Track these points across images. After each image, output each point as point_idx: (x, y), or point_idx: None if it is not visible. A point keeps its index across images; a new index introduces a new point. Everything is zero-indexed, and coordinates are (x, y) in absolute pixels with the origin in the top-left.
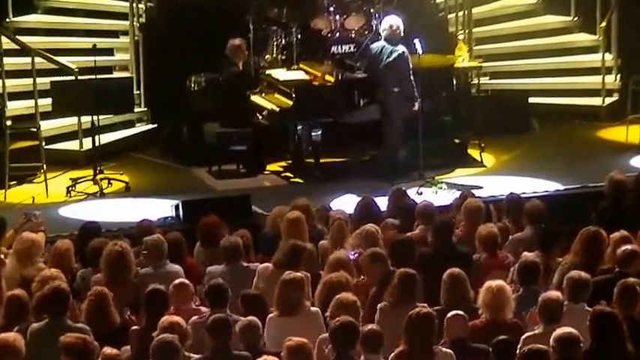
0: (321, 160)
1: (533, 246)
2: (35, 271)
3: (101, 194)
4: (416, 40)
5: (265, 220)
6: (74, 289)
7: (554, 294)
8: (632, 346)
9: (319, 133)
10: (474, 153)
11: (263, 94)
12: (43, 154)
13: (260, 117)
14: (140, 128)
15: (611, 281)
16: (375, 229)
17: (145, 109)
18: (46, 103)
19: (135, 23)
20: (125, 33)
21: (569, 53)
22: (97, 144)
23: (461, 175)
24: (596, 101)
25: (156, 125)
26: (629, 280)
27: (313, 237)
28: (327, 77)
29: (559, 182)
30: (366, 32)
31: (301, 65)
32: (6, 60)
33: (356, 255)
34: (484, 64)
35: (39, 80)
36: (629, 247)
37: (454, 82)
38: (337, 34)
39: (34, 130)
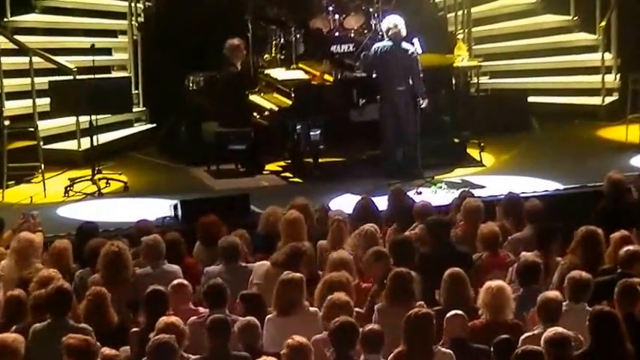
0: (320, 160)
1: (532, 245)
2: (33, 272)
3: (99, 194)
4: (415, 40)
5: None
6: (72, 289)
7: (553, 294)
8: (631, 345)
9: (318, 132)
10: (473, 152)
11: (262, 94)
12: (41, 154)
13: (259, 116)
14: (138, 128)
15: (614, 282)
16: (375, 229)
17: (144, 108)
18: (44, 102)
19: (133, 23)
20: (123, 32)
21: (569, 52)
22: (95, 144)
23: (460, 175)
24: (595, 100)
25: (154, 125)
26: (629, 279)
27: (312, 237)
28: (326, 77)
29: (558, 182)
30: (365, 32)
31: (300, 65)
32: (4, 59)
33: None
34: (483, 64)
35: (37, 80)
36: (631, 247)
37: (453, 81)
38: (336, 34)
39: (32, 129)
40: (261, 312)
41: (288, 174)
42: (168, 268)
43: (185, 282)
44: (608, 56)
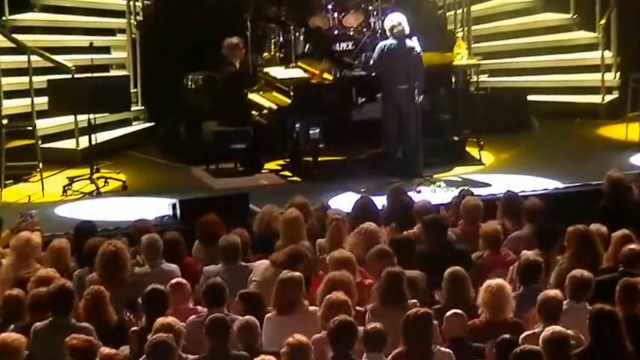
0: (320, 159)
1: (532, 244)
2: (31, 271)
3: (98, 193)
4: (414, 38)
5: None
6: None
7: (554, 292)
8: (631, 344)
9: (317, 131)
10: (472, 151)
11: (261, 93)
12: (40, 153)
13: (258, 115)
14: (137, 127)
15: (615, 281)
16: (375, 228)
17: (142, 107)
18: (42, 101)
19: (132, 21)
20: (122, 31)
21: (569, 51)
22: (93, 142)
23: (459, 174)
24: (595, 99)
25: (153, 124)
26: (631, 278)
27: (311, 236)
28: (326, 75)
29: (558, 180)
30: (365, 30)
31: (299, 63)
32: (2, 58)
33: None
34: (483, 62)
35: (35, 79)
36: (633, 246)
37: (453, 79)
38: (335, 32)
39: (30, 128)
40: (260, 311)
41: (287, 173)
42: (166, 267)
43: (184, 281)
44: (608, 54)
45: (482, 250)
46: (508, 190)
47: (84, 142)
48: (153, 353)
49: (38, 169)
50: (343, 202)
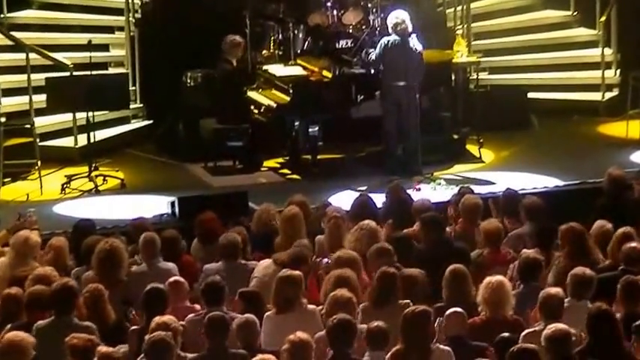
0: (319, 157)
1: (532, 242)
2: (28, 270)
3: (96, 191)
4: (413, 36)
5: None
6: None
7: (555, 290)
8: (629, 343)
9: (316, 129)
10: (472, 149)
11: (260, 90)
12: (38, 151)
13: (257, 113)
14: (136, 124)
15: (616, 279)
16: (374, 225)
17: (141, 105)
18: (40, 99)
19: (130, 19)
20: (121, 28)
21: (569, 48)
22: (92, 140)
23: (459, 171)
24: (595, 96)
25: (151, 121)
26: (632, 276)
27: (310, 233)
28: (325, 73)
29: (558, 178)
30: (364, 27)
31: (298, 61)
32: (0, 56)
33: (327, 261)
34: (483, 59)
35: (33, 76)
36: (633, 244)
37: (452, 77)
38: (335, 30)
39: (29, 126)
40: (260, 310)
41: (286, 171)
42: (163, 265)
43: (181, 279)
44: (608, 52)
45: (482, 247)
46: (507, 188)
47: (82, 140)
48: (151, 352)
49: (36, 167)
50: (343, 200)
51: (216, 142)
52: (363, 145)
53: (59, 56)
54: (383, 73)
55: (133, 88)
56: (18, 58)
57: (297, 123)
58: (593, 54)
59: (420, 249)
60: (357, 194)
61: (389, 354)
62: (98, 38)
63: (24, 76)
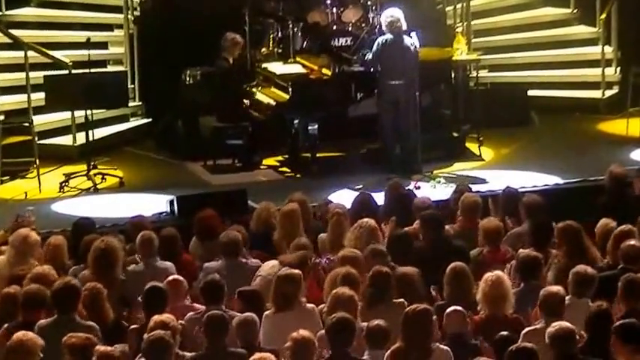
0: (318, 155)
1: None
2: (25, 268)
3: (95, 190)
4: (413, 33)
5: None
6: None
7: (555, 288)
8: None
9: (316, 127)
10: (472, 147)
11: (259, 88)
12: (36, 149)
13: (256, 111)
14: (134, 122)
15: (616, 277)
16: (373, 223)
17: (140, 103)
18: (39, 97)
19: (129, 16)
20: (119, 26)
21: (569, 45)
22: (90, 139)
23: (459, 169)
24: (595, 94)
25: (150, 119)
26: (633, 274)
27: (309, 231)
28: (324, 71)
29: (558, 176)
30: (363, 25)
31: (298, 59)
32: None
33: (327, 261)
34: (483, 57)
35: (32, 74)
36: (633, 242)
37: (452, 75)
38: (334, 27)
39: (27, 124)
40: (259, 308)
41: (285, 169)
42: (160, 264)
43: (180, 278)
44: (608, 49)
45: (481, 246)
46: (507, 186)
47: (81, 138)
48: (150, 350)
49: (35, 166)
50: (342, 198)
51: (215, 140)
52: (362, 143)
53: (58, 54)
54: (379, 72)
55: (132, 86)
56: (16, 55)
57: (296, 121)
58: (594, 51)
59: (418, 247)
60: (357, 193)
61: (388, 352)
62: (97, 36)
63: (22, 74)
